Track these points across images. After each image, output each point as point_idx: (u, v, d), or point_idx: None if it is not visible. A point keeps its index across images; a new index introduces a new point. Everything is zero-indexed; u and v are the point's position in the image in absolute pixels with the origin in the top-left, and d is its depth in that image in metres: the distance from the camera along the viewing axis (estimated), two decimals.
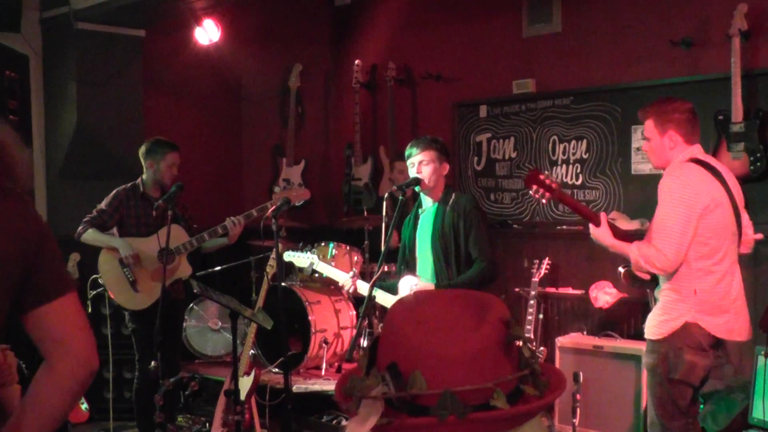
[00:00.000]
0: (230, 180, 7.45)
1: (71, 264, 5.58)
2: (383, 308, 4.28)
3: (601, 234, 3.39)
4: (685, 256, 3.21)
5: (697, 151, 3.37)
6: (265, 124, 7.48)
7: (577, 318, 5.62)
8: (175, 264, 4.83)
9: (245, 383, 4.63)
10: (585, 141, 5.76)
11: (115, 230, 4.94)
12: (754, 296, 4.66)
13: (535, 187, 3.41)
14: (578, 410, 4.52)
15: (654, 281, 3.41)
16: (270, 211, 4.37)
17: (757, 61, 4.96)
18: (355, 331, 5.51)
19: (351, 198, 6.84)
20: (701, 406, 3.34)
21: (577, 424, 4.54)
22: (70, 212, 5.65)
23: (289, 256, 4.70)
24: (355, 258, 5.67)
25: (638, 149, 5.43)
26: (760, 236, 3.64)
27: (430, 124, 6.48)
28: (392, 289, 4.12)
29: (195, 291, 3.83)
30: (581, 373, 4.58)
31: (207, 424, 5.31)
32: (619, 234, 3.42)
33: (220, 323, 6.20)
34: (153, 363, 4.50)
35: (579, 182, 5.80)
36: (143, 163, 4.97)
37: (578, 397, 4.52)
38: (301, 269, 5.83)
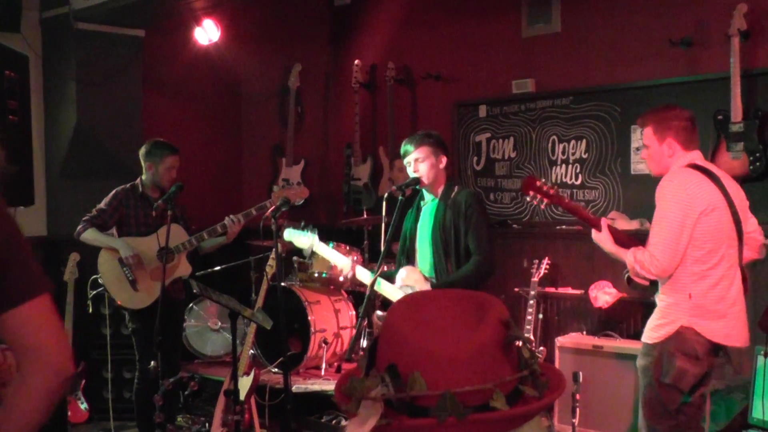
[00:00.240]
0: (230, 180, 7.45)
1: (71, 264, 5.58)
2: (383, 300, 4.26)
3: (601, 239, 3.40)
4: (681, 260, 3.22)
5: (696, 157, 3.37)
6: (265, 123, 7.48)
7: (577, 318, 5.62)
8: (174, 263, 4.83)
9: (245, 383, 4.63)
10: (584, 141, 5.76)
11: (114, 230, 4.94)
12: (754, 296, 4.66)
13: (532, 193, 3.42)
14: (578, 410, 4.52)
15: (654, 286, 3.41)
16: (269, 211, 4.37)
17: (756, 60, 4.96)
18: (354, 331, 5.51)
19: (350, 198, 6.84)
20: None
21: (576, 424, 4.55)
22: (69, 212, 5.66)
23: (289, 234, 4.60)
24: (355, 258, 5.66)
25: (638, 149, 5.43)
26: (767, 241, 3.64)
27: (430, 124, 6.48)
28: (391, 279, 4.12)
29: (194, 291, 3.83)
30: (581, 373, 4.58)
31: (206, 424, 5.31)
32: (620, 238, 3.41)
33: (219, 323, 6.20)
34: (153, 363, 4.51)
35: (578, 182, 5.81)
36: (143, 164, 4.97)
37: (578, 397, 4.52)
38: (303, 269, 5.84)
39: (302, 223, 4.64)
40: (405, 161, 4.06)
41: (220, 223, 4.86)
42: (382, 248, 4.03)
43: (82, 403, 5.57)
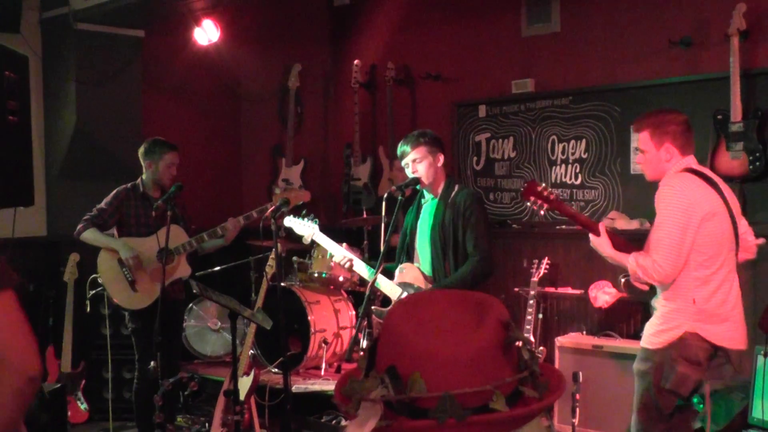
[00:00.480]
0: (229, 180, 7.45)
1: (71, 264, 5.58)
2: (384, 297, 4.25)
3: (600, 244, 3.38)
4: (684, 265, 3.21)
5: (692, 161, 3.36)
6: (265, 124, 7.48)
7: (577, 318, 5.62)
8: (174, 264, 4.83)
9: (245, 383, 4.64)
10: (584, 141, 5.76)
11: (114, 230, 4.94)
12: (754, 296, 4.66)
13: (532, 198, 3.40)
14: (578, 410, 4.52)
15: (653, 290, 3.41)
16: (269, 211, 4.38)
17: (755, 60, 4.96)
18: (354, 331, 5.51)
19: (350, 198, 6.85)
20: (700, 406, 3.33)
21: (576, 424, 4.55)
22: (69, 212, 5.66)
23: (289, 221, 4.56)
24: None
25: (637, 149, 5.41)
26: (762, 240, 3.64)
27: (429, 124, 6.47)
28: (389, 274, 4.11)
29: (194, 291, 3.83)
30: (581, 373, 4.58)
31: (206, 425, 5.31)
32: (618, 242, 3.40)
33: (219, 323, 6.20)
34: (152, 363, 4.51)
35: (578, 182, 5.81)
36: (142, 163, 4.97)
37: (578, 397, 4.52)
38: (302, 269, 5.84)
39: (303, 212, 4.60)
40: (403, 162, 4.06)
41: (221, 225, 4.86)
42: (382, 248, 4.03)
43: (81, 404, 5.57)
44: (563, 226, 5.76)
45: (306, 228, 4.48)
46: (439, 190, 4.06)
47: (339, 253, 4.32)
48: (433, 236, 4.01)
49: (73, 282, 5.55)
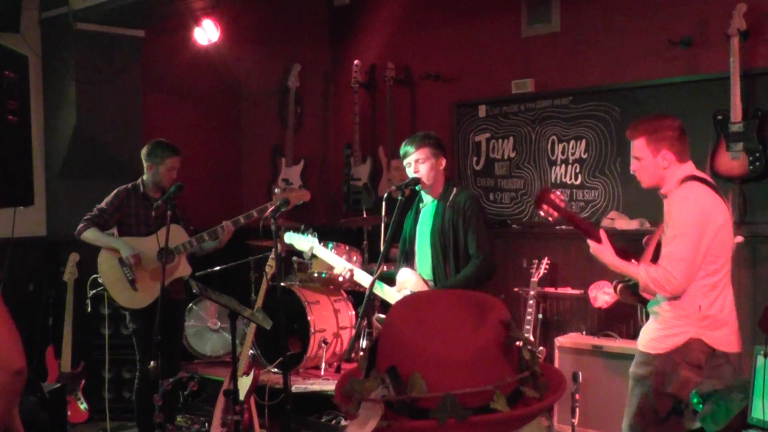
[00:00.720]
0: (229, 180, 7.44)
1: (70, 264, 5.58)
2: (383, 302, 4.26)
3: (601, 251, 3.30)
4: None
5: (693, 168, 3.34)
6: (264, 124, 7.48)
7: (576, 318, 5.62)
8: (174, 264, 4.83)
9: (244, 383, 4.64)
10: (584, 141, 5.76)
11: (114, 230, 4.94)
12: (754, 296, 4.67)
13: (545, 207, 3.30)
14: (577, 410, 4.52)
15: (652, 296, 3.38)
16: (269, 211, 4.38)
17: (755, 60, 4.96)
18: (354, 331, 5.51)
19: (350, 198, 6.85)
20: (700, 406, 3.32)
21: (576, 423, 4.55)
22: (69, 212, 5.66)
23: (289, 237, 4.63)
24: (354, 258, 5.67)
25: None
26: (740, 239, 3.62)
27: (429, 124, 6.48)
28: (390, 280, 4.12)
29: (194, 291, 3.84)
30: (580, 373, 4.58)
31: (206, 424, 5.31)
32: (616, 249, 3.36)
33: (219, 323, 6.20)
34: (152, 363, 4.50)
35: (578, 182, 5.81)
36: (144, 164, 4.97)
37: (577, 397, 4.52)
38: (302, 269, 5.84)
39: (302, 227, 4.67)
40: (405, 162, 4.06)
41: (221, 224, 4.86)
42: (382, 248, 4.03)
43: (81, 403, 5.57)
44: (563, 227, 5.75)
45: (305, 242, 4.59)
46: (438, 193, 4.07)
47: (339, 264, 4.39)
48: (434, 239, 4.02)
49: (72, 282, 5.55)
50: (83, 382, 5.63)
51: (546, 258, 5.52)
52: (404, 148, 4.06)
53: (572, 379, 4.53)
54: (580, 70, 5.80)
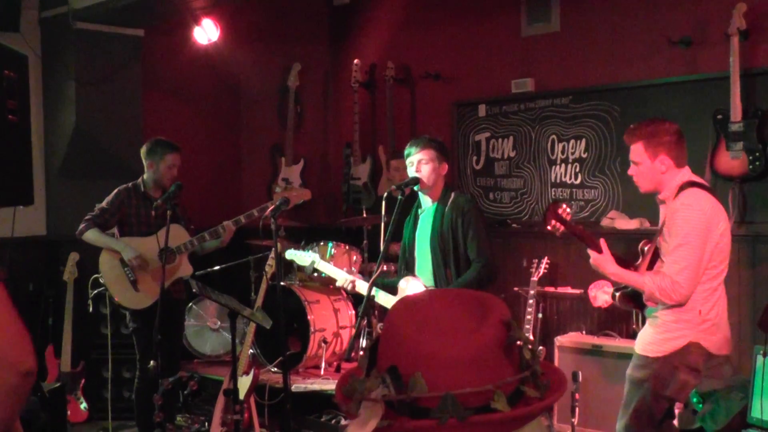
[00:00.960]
0: (229, 180, 7.45)
1: (70, 263, 5.58)
2: (382, 308, 4.27)
3: (603, 261, 3.28)
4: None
5: (690, 174, 3.32)
6: (264, 123, 7.48)
7: (576, 317, 5.62)
8: (175, 264, 4.83)
9: (244, 383, 4.63)
10: (584, 140, 5.76)
11: (115, 229, 4.94)
12: (754, 296, 4.67)
13: (554, 222, 3.28)
14: (577, 410, 4.53)
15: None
16: (269, 210, 4.38)
17: (755, 60, 4.96)
18: (354, 331, 5.51)
19: (350, 197, 6.85)
20: (700, 406, 3.33)
21: (576, 423, 4.55)
22: (69, 212, 5.66)
23: (290, 254, 4.70)
24: (354, 257, 5.67)
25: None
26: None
27: (429, 123, 6.48)
28: (392, 288, 4.12)
29: (194, 290, 3.84)
30: (580, 373, 4.58)
31: (206, 424, 5.31)
32: (615, 257, 3.34)
33: (219, 323, 6.20)
34: (152, 362, 4.50)
35: (578, 181, 5.80)
36: (144, 162, 4.97)
37: (577, 396, 4.52)
38: (302, 268, 5.84)
39: (302, 243, 4.72)
40: (408, 161, 4.06)
41: (221, 224, 4.86)
42: (382, 248, 4.03)
43: (81, 403, 5.57)
44: None
45: (307, 258, 4.66)
46: (437, 196, 4.09)
47: (341, 277, 4.39)
48: (433, 243, 4.02)
49: (72, 281, 5.55)
50: (83, 381, 5.63)
51: (546, 257, 5.52)
52: (409, 148, 4.07)
53: (572, 379, 4.54)
54: (580, 69, 5.80)
